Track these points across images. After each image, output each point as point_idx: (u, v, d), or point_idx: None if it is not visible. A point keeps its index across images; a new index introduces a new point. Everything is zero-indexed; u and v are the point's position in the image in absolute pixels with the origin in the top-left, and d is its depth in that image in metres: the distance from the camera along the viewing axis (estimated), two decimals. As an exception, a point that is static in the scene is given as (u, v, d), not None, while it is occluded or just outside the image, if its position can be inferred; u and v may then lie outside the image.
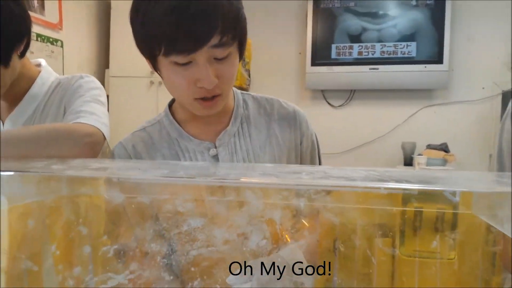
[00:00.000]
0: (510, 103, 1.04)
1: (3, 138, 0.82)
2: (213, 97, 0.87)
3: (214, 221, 0.66)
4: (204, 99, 0.86)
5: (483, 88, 3.27)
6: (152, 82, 2.98)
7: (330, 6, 3.32)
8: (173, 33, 0.77)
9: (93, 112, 1.02)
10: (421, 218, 0.82)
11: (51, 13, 2.79)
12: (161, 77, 0.90)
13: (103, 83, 3.22)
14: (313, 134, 1.07)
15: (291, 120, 1.02)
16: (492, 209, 0.69)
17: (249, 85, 3.60)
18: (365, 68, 3.26)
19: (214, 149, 0.96)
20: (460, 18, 3.25)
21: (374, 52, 3.28)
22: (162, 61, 0.83)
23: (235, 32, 0.83)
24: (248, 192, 0.66)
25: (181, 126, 0.99)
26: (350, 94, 3.46)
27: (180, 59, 0.80)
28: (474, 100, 3.28)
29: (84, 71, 3.10)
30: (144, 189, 0.70)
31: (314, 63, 3.33)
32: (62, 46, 2.86)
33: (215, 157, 0.96)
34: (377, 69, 3.24)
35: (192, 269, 0.64)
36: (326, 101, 3.50)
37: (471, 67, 3.29)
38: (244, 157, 0.97)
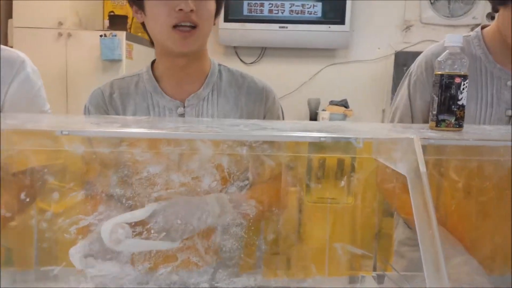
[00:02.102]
0: (408, 73, 1.24)
1: None
2: (190, 29, 0.96)
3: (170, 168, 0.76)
4: (182, 27, 0.96)
5: (379, 48, 3.60)
6: (60, 34, 2.84)
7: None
8: None
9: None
10: (327, 164, 1.00)
11: None
12: (145, 16, 1.00)
13: (6, 34, 2.99)
14: (279, 109, 1.16)
15: (259, 95, 1.11)
16: (388, 152, 0.87)
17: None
18: (275, 26, 3.40)
19: (182, 108, 1.04)
20: (361, -18, 3.50)
21: (284, 10, 3.43)
22: None
23: None
24: (199, 142, 0.78)
25: (157, 82, 1.06)
26: (261, 51, 3.60)
27: None
28: (370, 60, 3.61)
29: (-18, 20, 2.86)
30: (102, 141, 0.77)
31: (227, 19, 3.40)
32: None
33: (182, 116, 1.04)
34: (286, 27, 3.40)
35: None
36: (239, 57, 3.61)
37: (369, 28, 3.59)
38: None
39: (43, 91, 1.09)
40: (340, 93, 3.55)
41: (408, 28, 3.58)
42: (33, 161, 0.75)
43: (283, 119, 1.19)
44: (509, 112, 1.12)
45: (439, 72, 0.87)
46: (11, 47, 2.94)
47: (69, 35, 2.84)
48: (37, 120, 0.83)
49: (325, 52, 3.60)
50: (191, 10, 0.94)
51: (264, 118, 1.11)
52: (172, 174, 0.75)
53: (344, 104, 3.47)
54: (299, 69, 3.62)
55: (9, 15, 2.95)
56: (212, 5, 1.00)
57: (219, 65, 1.13)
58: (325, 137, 0.81)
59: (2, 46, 1.06)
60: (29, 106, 1.04)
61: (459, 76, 0.85)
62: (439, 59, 0.87)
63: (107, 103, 1.04)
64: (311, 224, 1.04)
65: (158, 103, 1.05)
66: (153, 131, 0.71)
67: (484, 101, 1.13)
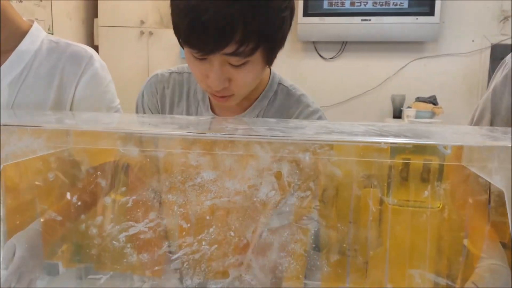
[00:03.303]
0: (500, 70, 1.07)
1: None
2: (226, 96, 0.84)
3: (225, 173, 0.70)
4: (216, 94, 0.84)
5: (472, 41, 3.29)
6: (142, 32, 2.94)
7: (324, -45, 3.25)
8: (188, 32, 0.73)
9: None
10: (412, 169, 0.88)
11: (36, -41, 2.69)
12: None
13: (91, 32, 3.16)
14: None
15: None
16: (482, 161, 0.75)
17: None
18: (357, 19, 3.24)
19: None
20: (454, -31, 3.22)
21: (367, 3, 3.25)
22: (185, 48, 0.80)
23: (259, 40, 0.75)
24: (256, 146, 0.71)
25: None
26: (342, 46, 3.45)
27: (195, 53, 0.77)
28: (463, 53, 3.31)
29: (72, 20, 3.04)
30: (158, 143, 0.73)
31: (306, 13, 3.30)
32: (49, -6, 2.78)
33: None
34: (369, 20, 3.22)
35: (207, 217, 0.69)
36: (318, 53, 3.49)
37: (462, 19, 3.29)
38: None
39: (112, 86, 1.09)
40: (428, 89, 3.30)
41: (506, 19, 3.22)
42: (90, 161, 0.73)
43: None
44: None
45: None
46: (97, 45, 3.12)
47: (151, 33, 2.92)
48: (95, 119, 0.82)
49: (412, 46, 3.36)
50: (223, 88, 0.81)
51: None
52: (226, 181, 0.69)
53: (432, 101, 3.22)
54: (383, 64, 3.42)
55: (95, 14, 3.11)
56: (254, 70, 0.82)
57: (279, 84, 0.98)
58: (409, 143, 0.71)
59: (69, 41, 1.06)
60: (98, 102, 1.04)
61: None
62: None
63: (158, 94, 0.98)
64: (393, 230, 0.93)
65: (201, 114, 0.97)
66: (197, 133, 0.65)
67: None
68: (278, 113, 0.96)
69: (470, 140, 0.79)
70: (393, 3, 3.22)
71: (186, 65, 0.96)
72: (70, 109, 1.02)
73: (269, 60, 0.83)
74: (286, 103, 0.96)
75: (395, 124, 0.94)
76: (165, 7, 3.28)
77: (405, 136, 0.75)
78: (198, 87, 0.98)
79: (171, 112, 0.98)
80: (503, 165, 0.69)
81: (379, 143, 0.70)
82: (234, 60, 0.77)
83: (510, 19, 3.21)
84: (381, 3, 3.23)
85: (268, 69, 0.98)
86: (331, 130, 0.78)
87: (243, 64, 0.78)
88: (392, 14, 3.21)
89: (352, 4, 3.26)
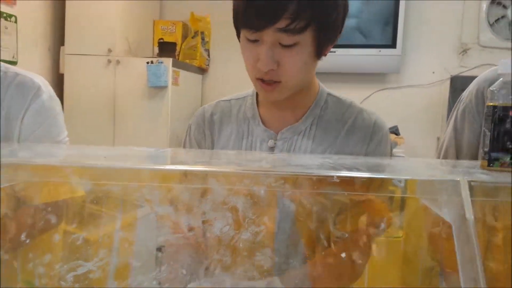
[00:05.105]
0: (457, 106, 1.12)
1: None
2: (273, 83, 0.87)
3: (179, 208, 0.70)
4: (263, 81, 0.87)
5: (433, 72, 3.42)
6: (109, 61, 2.92)
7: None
8: (245, 9, 0.80)
9: None
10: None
11: (1, -14, 2.66)
12: None
13: (58, 60, 3.12)
14: (384, 151, 0.99)
15: (363, 134, 0.97)
16: (433, 194, 0.77)
17: (208, 65, 3.59)
18: (323, 51, 3.31)
19: (272, 141, 0.95)
20: (414, 3, 3.36)
21: (332, 35, 3.34)
22: (241, 33, 0.87)
23: (311, 19, 0.80)
24: (211, 179, 0.71)
25: (258, 107, 0.99)
26: (308, 76, 3.52)
27: (249, 34, 0.83)
28: (424, 84, 3.43)
29: (39, 48, 3.00)
30: (111, 177, 0.72)
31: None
32: (16, 21, 2.74)
33: (272, 149, 0.95)
34: (334, 52, 3.30)
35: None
36: (285, 82, 3.55)
37: (423, 52, 3.42)
38: None
39: (61, 117, 1.07)
40: (391, 119, 3.38)
41: (465, 51, 3.38)
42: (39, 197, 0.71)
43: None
44: None
45: (492, 104, 0.75)
46: (63, 74, 3.07)
47: (118, 62, 2.90)
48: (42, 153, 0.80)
49: (375, 77, 3.46)
50: (272, 69, 0.84)
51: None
52: (181, 216, 0.68)
53: (395, 131, 3.30)
54: (348, 94, 3.48)
55: (62, 42, 3.08)
56: (304, 54, 0.85)
57: (328, 94, 1.03)
58: (362, 177, 0.73)
59: (18, 71, 1.04)
60: (44, 136, 1.02)
61: (516, 108, 0.73)
62: (491, 88, 0.76)
63: (205, 123, 1.01)
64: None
65: (253, 131, 0.98)
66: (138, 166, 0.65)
67: None
68: (332, 119, 0.98)
69: (422, 174, 0.81)
70: (357, 36, 3.32)
71: (230, 95, 1.03)
72: (18, 141, 1.00)
73: (319, 49, 0.87)
74: (339, 110, 0.99)
75: (350, 156, 0.96)
76: (133, 36, 3.29)
77: (358, 170, 0.77)
78: (247, 107, 1.00)
79: (219, 135, 0.99)
80: (451, 198, 0.71)
81: (332, 176, 0.71)
82: (286, 38, 0.80)
83: (469, 51, 3.36)
84: (346, 36, 3.33)
85: (317, 80, 1.02)
86: (287, 163, 0.79)
87: (294, 45, 0.82)
88: (356, 46, 3.31)
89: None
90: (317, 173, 0.72)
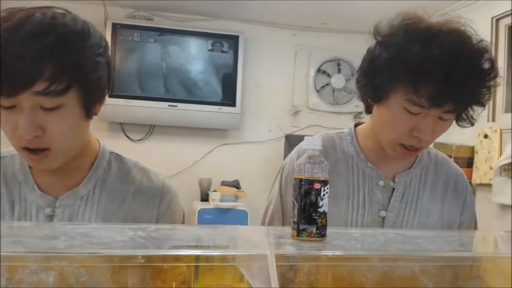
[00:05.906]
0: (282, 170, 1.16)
1: None
2: (41, 151, 0.76)
3: None
4: (30, 150, 0.76)
5: (269, 130, 3.65)
6: None
7: (130, 39, 3.27)
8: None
9: None
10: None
11: None
12: None
13: None
14: (175, 213, 0.96)
15: (152, 196, 0.93)
16: (247, 267, 0.75)
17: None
18: (164, 104, 3.28)
19: (50, 209, 0.83)
20: (250, 66, 3.58)
21: (175, 89, 3.35)
22: None
23: (72, 81, 0.74)
24: None
25: (31, 169, 0.86)
26: (150, 128, 3.45)
27: (4, 101, 0.72)
28: (262, 141, 3.62)
29: None
30: None
31: (111, 94, 3.23)
32: None
33: (50, 218, 0.83)
34: (176, 106, 3.30)
35: None
36: (125, 134, 3.41)
37: (260, 112, 3.64)
38: None
39: None
40: (233, 173, 3.48)
41: (296, 113, 3.70)
42: None
43: (183, 223, 1.00)
44: (382, 213, 1.05)
45: (298, 176, 0.78)
46: None
47: None
48: None
49: (217, 132, 3.55)
50: (36, 136, 0.75)
51: (156, 222, 0.93)
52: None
53: (236, 185, 3.39)
54: (190, 148, 3.50)
55: None
56: (70, 116, 0.78)
57: (111, 153, 0.95)
58: (165, 254, 0.67)
59: None
60: None
61: (319, 181, 0.76)
62: (298, 161, 0.79)
63: None
64: None
65: (26, 197, 0.84)
66: None
67: (356, 201, 1.06)
68: (117, 181, 0.91)
69: (241, 247, 0.79)
70: (200, 92, 3.38)
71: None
72: None
73: (87, 109, 0.80)
74: (125, 169, 0.94)
75: (167, 226, 0.91)
76: None
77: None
78: (16, 168, 0.86)
79: None
80: (263, 271, 0.70)
81: (136, 256, 0.65)
82: (47, 101, 0.73)
83: (299, 113, 3.68)
84: (187, 91, 3.36)
85: (97, 140, 0.95)
86: (88, 241, 0.70)
87: (57, 108, 0.75)
88: (197, 102, 3.35)
89: (159, 88, 3.31)
90: (117, 253, 0.64)
